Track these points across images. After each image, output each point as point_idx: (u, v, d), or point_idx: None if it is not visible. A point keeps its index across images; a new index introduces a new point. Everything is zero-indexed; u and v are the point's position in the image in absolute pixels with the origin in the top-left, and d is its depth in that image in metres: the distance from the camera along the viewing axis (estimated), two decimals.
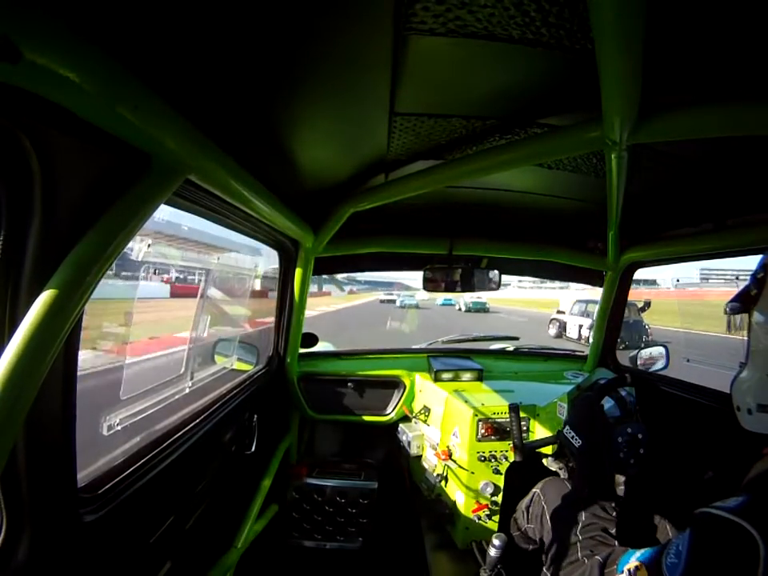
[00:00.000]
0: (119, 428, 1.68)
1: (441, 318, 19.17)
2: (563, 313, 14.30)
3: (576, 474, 1.17)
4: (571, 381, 2.15)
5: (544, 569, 1.05)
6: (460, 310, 25.18)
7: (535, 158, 1.05)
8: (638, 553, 0.78)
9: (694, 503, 0.74)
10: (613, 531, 0.97)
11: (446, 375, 2.14)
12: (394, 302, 30.52)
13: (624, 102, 0.73)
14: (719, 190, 1.29)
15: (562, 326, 13.70)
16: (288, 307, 1.94)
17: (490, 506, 1.65)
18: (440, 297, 25.32)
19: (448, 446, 1.82)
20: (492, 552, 1.39)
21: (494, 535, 1.40)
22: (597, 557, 0.90)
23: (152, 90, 0.63)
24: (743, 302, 0.94)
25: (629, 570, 0.75)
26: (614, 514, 1.02)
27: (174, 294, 11.98)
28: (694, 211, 1.49)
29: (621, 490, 1.38)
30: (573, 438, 1.19)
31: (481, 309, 24.03)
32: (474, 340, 2.90)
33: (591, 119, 0.85)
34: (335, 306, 27.02)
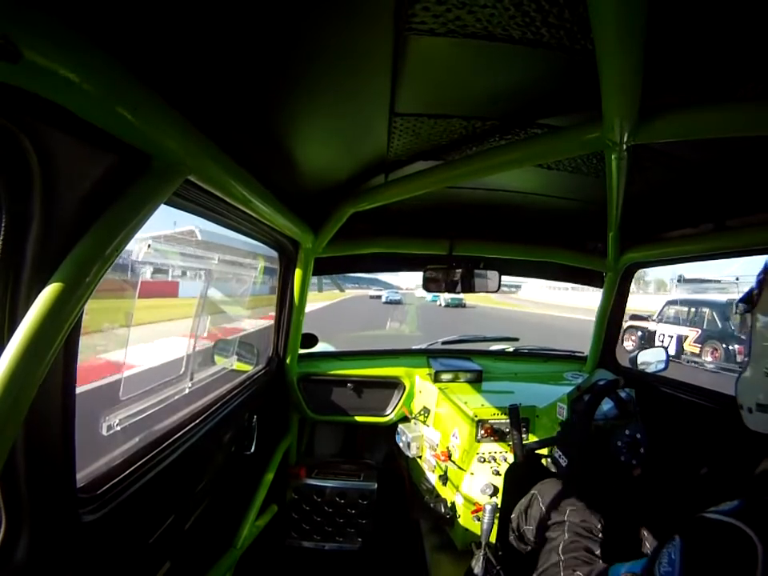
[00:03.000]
0: (118, 428, 1.68)
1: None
2: (644, 319, 10.41)
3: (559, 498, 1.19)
4: (571, 382, 2.15)
5: None
6: (440, 305, 27.26)
7: (535, 158, 1.05)
8: (628, 564, 0.78)
9: (691, 505, 0.74)
10: (597, 552, 0.97)
11: (445, 376, 2.14)
12: (380, 297, 31.72)
13: (624, 102, 0.73)
14: (719, 191, 1.29)
15: (646, 338, 9.85)
16: (288, 308, 1.94)
17: None
18: (428, 294, 26.90)
19: (447, 447, 1.82)
20: (486, 520, 1.42)
21: (485, 503, 1.45)
22: (579, 573, 0.90)
23: (152, 90, 0.63)
24: (748, 303, 0.97)
25: None
26: (600, 534, 1.01)
27: None
28: (694, 212, 1.49)
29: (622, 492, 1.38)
30: (560, 457, 1.21)
31: (458, 305, 26.43)
32: (474, 341, 2.89)
33: (591, 120, 0.85)
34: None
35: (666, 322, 9.91)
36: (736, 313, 1.01)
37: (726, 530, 0.60)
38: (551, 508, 1.16)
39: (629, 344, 10.11)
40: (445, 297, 25.65)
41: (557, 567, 0.96)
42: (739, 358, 8.15)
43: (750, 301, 0.96)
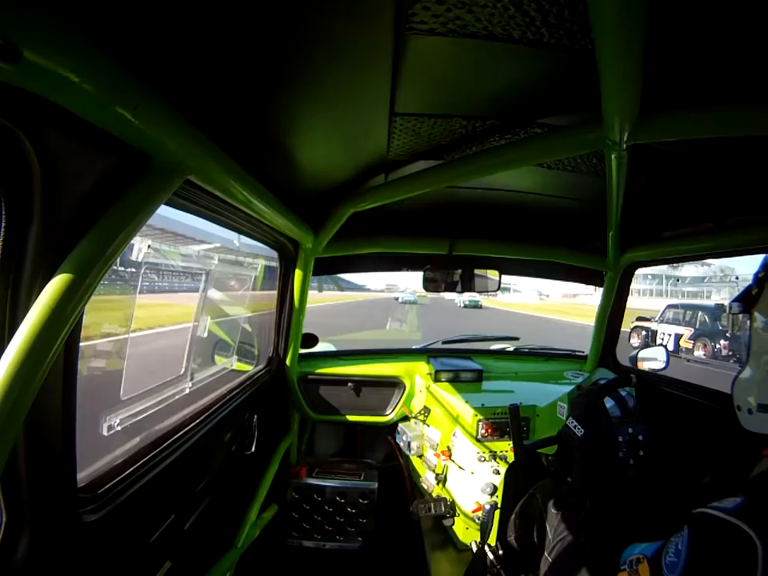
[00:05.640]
0: (119, 428, 1.68)
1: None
2: (648, 320, 12.29)
3: (577, 467, 1.19)
4: (571, 381, 2.15)
5: (545, 554, 1.05)
6: (460, 306, 28.40)
7: (535, 158, 1.05)
8: (642, 546, 0.79)
9: (692, 504, 0.74)
10: (614, 523, 0.98)
11: (445, 375, 2.14)
12: (397, 299, 33.74)
13: (624, 102, 0.73)
14: (719, 190, 1.29)
15: (650, 336, 11.64)
16: (288, 308, 1.94)
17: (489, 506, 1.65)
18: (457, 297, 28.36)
19: (448, 447, 1.82)
20: (485, 519, 1.45)
21: (485, 502, 1.51)
22: (599, 545, 0.91)
23: (152, 90, 0.63)
24: (745, 302, 0.95)
25: (631, 562, 0.76)
26: (613, 510, 1.02)
27: None
28: (694, 211, 1.49)
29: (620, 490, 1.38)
30: (575, 427, 1.21)
31: (475, 306, 27.79)
32: (474, 340, 2.89)
33: (591, 119, 0.85)
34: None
35: (666, 323, 11.77)
36: (730, 313, 1.00)
37: (727, 529, 0.61)
38: (550, 504, 1.16)
39: (635, 341, 11.77)
40: (463, 299, 27.43)
41: (578, 535, 0.96)
42: (724, 353, 10.17)
43: (747, 300, 0.94)
